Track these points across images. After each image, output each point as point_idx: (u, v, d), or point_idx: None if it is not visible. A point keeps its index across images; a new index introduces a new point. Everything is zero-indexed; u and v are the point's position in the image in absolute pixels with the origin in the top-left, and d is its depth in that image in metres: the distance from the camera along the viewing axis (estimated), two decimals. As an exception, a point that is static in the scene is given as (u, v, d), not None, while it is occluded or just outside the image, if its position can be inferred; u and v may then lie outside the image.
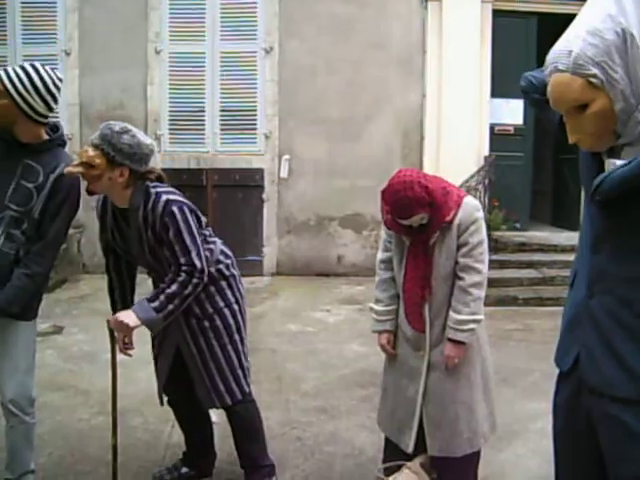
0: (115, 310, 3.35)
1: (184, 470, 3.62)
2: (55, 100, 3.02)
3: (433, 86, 8.90)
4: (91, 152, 2.94)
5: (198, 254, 3.02)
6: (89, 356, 5.58)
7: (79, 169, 2.95)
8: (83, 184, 3.01)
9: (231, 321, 3.27)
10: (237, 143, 9.03)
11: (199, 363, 3.24)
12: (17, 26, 9.30)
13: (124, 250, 3.27)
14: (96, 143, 2.95)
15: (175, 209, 3.00)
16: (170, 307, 3.00)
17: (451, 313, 2.99)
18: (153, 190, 3.06)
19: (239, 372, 3.30)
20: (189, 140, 9.02)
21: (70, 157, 3.17)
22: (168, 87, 9.12)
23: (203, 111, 9.04)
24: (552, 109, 1.82)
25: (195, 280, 3.01)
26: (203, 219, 3.25)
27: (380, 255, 3.27)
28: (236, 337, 3.29)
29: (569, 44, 1.68)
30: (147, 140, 3.03)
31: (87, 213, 9.11)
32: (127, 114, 9.07)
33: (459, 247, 2.97)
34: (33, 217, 3.03)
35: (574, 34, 1.68)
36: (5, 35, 9.33)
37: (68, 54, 9.22)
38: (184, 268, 3.00)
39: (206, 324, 3.21)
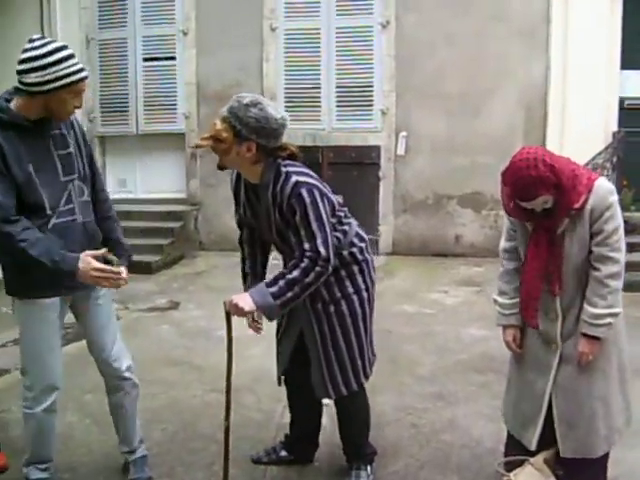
0: (245, 281, 3.30)
1: (283, 454, 3.55)
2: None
3: (558, 58, 8.41)
4: (219, 125, 2.85)
5: (324, 241, 2.86)
6: (204, 332, 5.61)
7: (208, 142, 2.87)
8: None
9: (358, 309, 3.11)
10: (353, 120, 8.89)
11: (320, 349, 3.12)
12: (137, 8, 9.50)
13: (254, 226, 3.20)
14: (224, 116, 2.85)
15: (304, 191, 2.87)
16: (289, 294, 2.86)
17: (586, 306, 2.74)
18: (284, 169, 2.93)
19: (359, 362, 3.16)
20: (305, 117, 8.94)
21: None
22: (284, 64, 9.09)
23: (319, 88, 8.94)
24: None
25: (318, 268, 2.86)
26: (338, 199, 3.11)
27: (503, 244, 3.05)
28: (361, 325, 3.13)
29: None
30: (278, 114, 2.87)
31: (204, 191, 9.33)
32: (243, 91, 9.02)
33: (592, 235, 2.70)
34: (86, 175, 3.07)
35: None
36: (125, 17, 9.54)
37: (185, 34, 9.34)
38: (308, 254, 2.86)
39: (331, 309, 3.07)
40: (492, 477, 3.13)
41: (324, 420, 3.71)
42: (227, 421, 3.10)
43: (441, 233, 8.79)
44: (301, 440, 3.53)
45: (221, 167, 2.99)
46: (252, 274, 3.28)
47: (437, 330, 5.72)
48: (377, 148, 8.78)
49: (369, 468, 3.33)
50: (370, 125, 8.85)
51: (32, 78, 2.74)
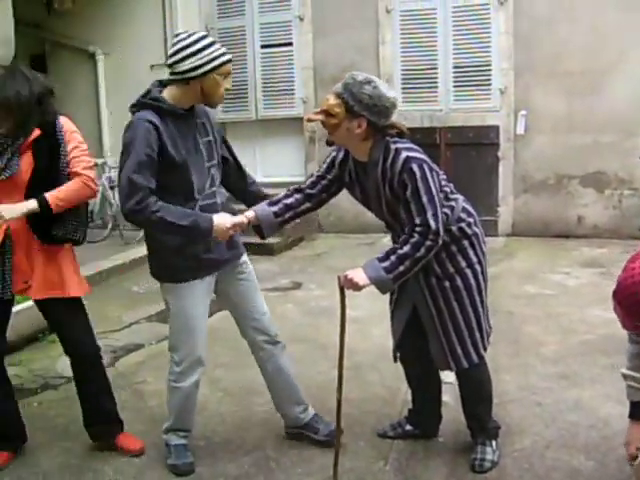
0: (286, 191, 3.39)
1: (408, 428, 3.62)
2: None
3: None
4: (332, 100, 2.97)
5: (434, 214, 2.92)
6: (326, 311, 5.74)
7: (319, 117, 3.00)
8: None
9: (472, 282, 3.15)
10: (471, 100, 8.77)
11: (437, 324, 3.18)
12: (253, -4, 9.70)
13: (363, 203, 3.27)
14: (338, 92, 2.96)
15: (415, 166, 2.93)
16: (401, 268, 2.93)
17: None
18: (393, 146, 3.00)
19: (477, 335, 3.20)
20: (422, 98, 8.92)
21: None
22: (400, 46, 9.07)
23: (435, 68, 8.89)
24: None
25: (428, 242, 2.91)
26: (443, 176, 3.16)
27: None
28: (477, 298, 3.17)
29: None
30: (390, 93, 2.96)
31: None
32: (360, 74, 9.16)
33: None
34: (220, 163, 3.36)
35: None
36: (243, 5, 9.77)
37: (302, 19, 9.47)
38: (418, 229, 2.92)
39: (446, 284, 3.12)
40: (622, 459, 3.08)
41: (447, 397, 3.78)
42: (339, 393, 3.19)
43: (562, 214, 8.58)
44: (423, 413, 3.60)
45: (330, 143, 3.12)
46: (293, 198, 3.33)
47: (560, 311, 5.63)
48: (496, 128, 8.64)
49: (494, 443, 3.36)
50: (488, 105, 8.71)
51: (187, 65, 3.02)
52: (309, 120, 3.09)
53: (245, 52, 9.76)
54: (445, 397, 3.75)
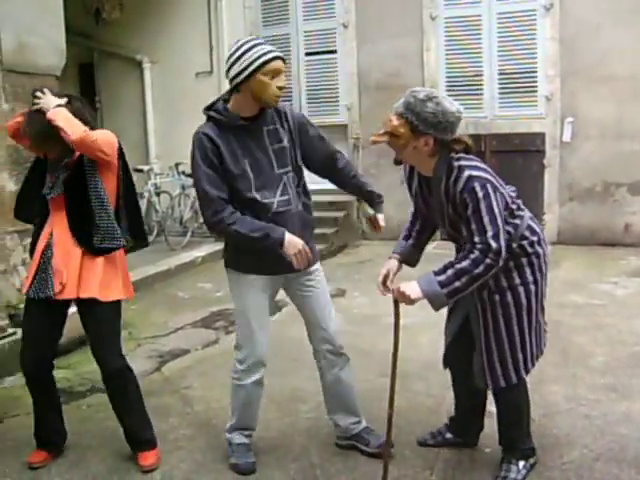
0: (404, 239, 3.41)
1: (448, 436, 3.59)
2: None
3: None
4: (395, 121, 2.91)
5: (495, 235, 2.85)
6: (370, 319, 5.74)
7: (384, 138, 2.94)
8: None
9: (524, 300, 3.07)
10: (516, 107, 8.75)
11: (481, 338, 3.13)
12: (298, 4, 9.81)
13: (425, 214, 3.27)
14: (400, 112, 2.91)
15: (477, 185, 2.86)
16: (457, 284, 2.88)
17: None
18: (456, 163, 2.94)
19: (520, 355, 3.11)
20: (466, 105, 8.69)
21: None
22: (444, 52, 9.08)
23: (480, 75, 8.86)
24: None
25: (488, 260, 2.85)
26: (511, 192, 3.12)
27: None
28: (525, 318, 3.08)
29: None
30: (453, 107, 2.89)
31: (367, 181, 9.44)
32: (404, 82, 9.15)
33: None
34: (299, 166, 3.31)
35: None
36: (287, 14, 9.85)
37: (346, 27, 9.52)
38: (479, 246, 2.87)
39: (496, 298, 3.06)
40: (675, 473, 3.04)
41: (494, 408, 3.74)
42: (391, 409, 3.16)
43: (609, 222, 8.48)
44: (465, 422, 3.57)
45: (398, 162, 3.08)
46: (413, 238, 3.38)
47: (608, 322, 5.54)
48: (542, 135, 8.59)
49: (521, 463, 3.25)
50: (534, 111, 8.67)
51: (232, 73, 3.05)
52: (374, 142, 3.00)
53: (289, 60, 9.82)
54: (492, 408, 3.72)
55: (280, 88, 3.07)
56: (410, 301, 2.97)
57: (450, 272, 2.88)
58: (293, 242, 3.09)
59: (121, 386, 3.53)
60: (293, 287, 3.40)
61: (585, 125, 8.43)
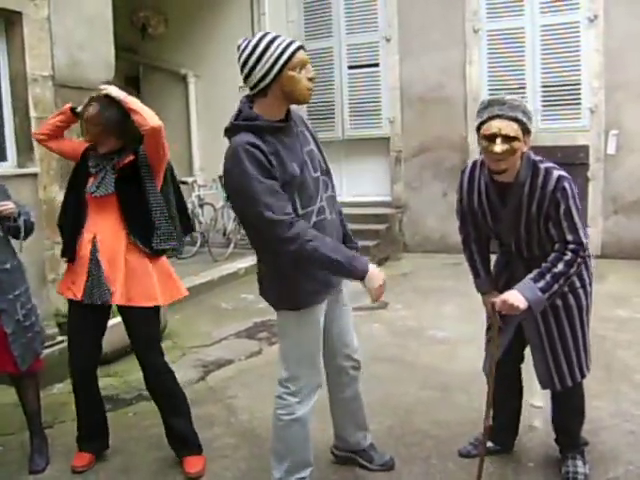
0: (478, 276, 3.39)
1: (489, 444, 3.56)
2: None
3: None
4: (514, 125, 2.91)
5: (584, 232, 2.98)
6: (413, 331, 5.75)
7: (505, 146, 2.90)
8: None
9: (584, 302, 3.18)
10: (560, 119, 8.67)
11: (545, 342, 3.20)
12: (341, 17, 9.87)
13: (487, 225, 3.27)
14: (512, 116, 2.90)
15: (567, 185, 2.95)
16: (555, 287, 2.96)
17: None
18: (542, 165, 3.02)
19: (583, 354, 3.22)
20: (508, 118, 8.81)
21: None
22: (487, 65, 9.05)
23: (524, 88, 8.81)
24: None
25: (580, 259, 2.96)
26: None
27: None
28: (585, 318, 3.21)
29: None
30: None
31: (408, 194, 9.49)
32: (446, 95, 9.19)
33: None
34: (328, 170, 3.09)
35: None
36: (330, 27, 9.93)
37: (388, 40, 9.56)
38: (571, 247, 2.95)
39: (559, 302, 3.13)
40: None
41: (537, 422, 3.75)
42: (487, 420, 3.16)
43: (655, 235, 8.36)
44: (503, 428, 3.59)
45: (500, 171, 3.01)
46: (484, 270, 3.40)
47: (655, 336, 5.48)
48: (585, 148, 8.51)
49: (583, 459, 3.37)
50: (578, 124, 8.60)
51: (257, 75, 2.72)
52: (497, 153, 2.93)
53: (332, 73, 9.94)
54: (535, 422, 3.72)
55: (310, 79, 2.78)
56: (517, 311, 2.98)
57: (548, 277, 2.96)
58: (376, 275, 2.80)
59: (167, 385, 3.60)
60: (330, 304, 3.14)
61: (630, 138, 8.33)
